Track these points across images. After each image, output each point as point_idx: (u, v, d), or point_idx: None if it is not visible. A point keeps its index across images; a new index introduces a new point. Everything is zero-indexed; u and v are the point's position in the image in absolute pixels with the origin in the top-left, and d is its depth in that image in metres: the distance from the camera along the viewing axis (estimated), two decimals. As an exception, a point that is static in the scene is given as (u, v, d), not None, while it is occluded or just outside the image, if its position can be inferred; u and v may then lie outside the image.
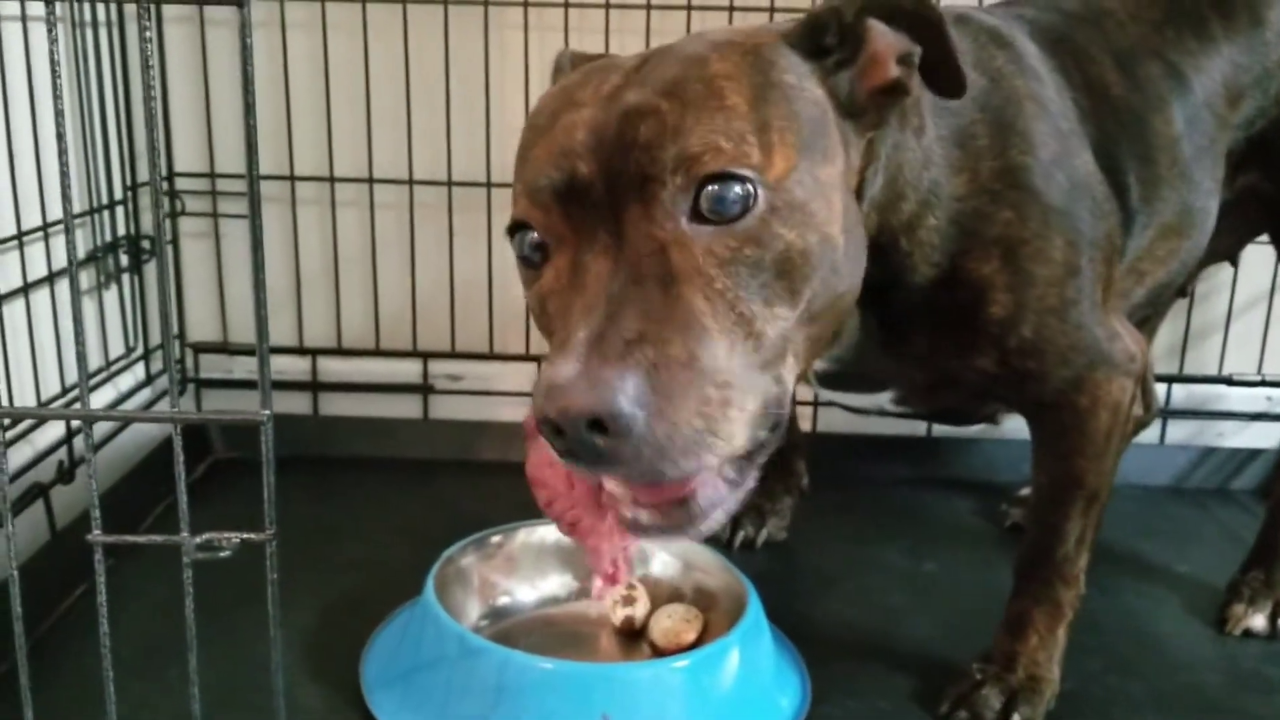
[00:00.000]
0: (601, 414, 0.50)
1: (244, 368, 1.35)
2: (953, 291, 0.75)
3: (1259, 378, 1.31)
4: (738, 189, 0.55)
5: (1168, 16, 0.87)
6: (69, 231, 0.52)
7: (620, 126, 0.56)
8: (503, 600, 0.93)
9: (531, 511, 0.70)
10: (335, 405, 1.35)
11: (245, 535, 0.54)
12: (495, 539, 0.93)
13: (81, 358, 0.56)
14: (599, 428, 0.51)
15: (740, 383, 0.55)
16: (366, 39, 1.24)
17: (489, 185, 1.28)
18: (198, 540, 0.53)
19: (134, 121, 1.21)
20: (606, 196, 0.56)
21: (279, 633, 0.56)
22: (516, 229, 0.61)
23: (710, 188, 0.55)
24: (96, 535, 0.55)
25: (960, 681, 0.85)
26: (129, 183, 1.20)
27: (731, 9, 1.21)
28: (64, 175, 0.52)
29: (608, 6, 1.21)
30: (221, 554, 0.53)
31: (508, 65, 1.25)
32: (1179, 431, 1.34)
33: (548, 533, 0.95)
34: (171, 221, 1.28)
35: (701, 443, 0.53)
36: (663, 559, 0.95)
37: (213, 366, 1.35)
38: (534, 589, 0.94)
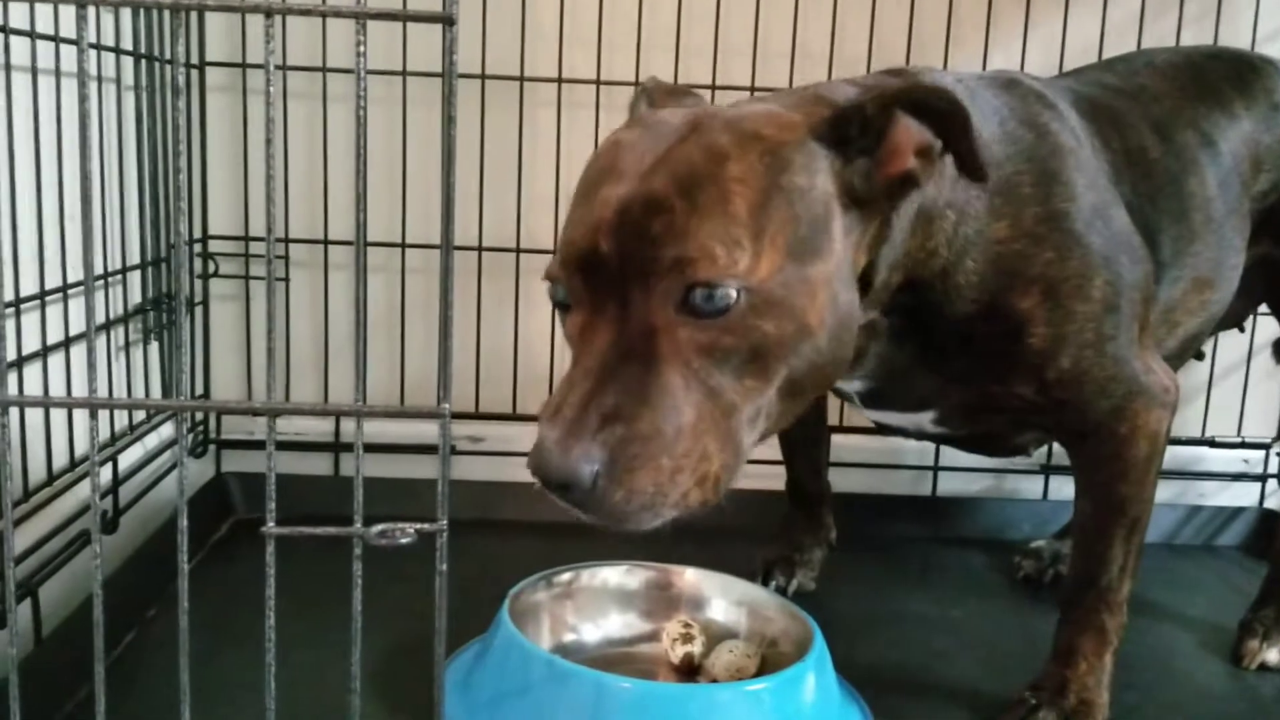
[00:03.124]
0: (568, 482, 0.62)
1: (265, 429, 1.35)
2: (992, 323, 0.80)
3: (1239, 439, 1.40)
4: (721, 292, 0.64)
5: (1199, 94, 0.97)
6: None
7: (639, 214, 0.65)
8: (569, 638, 0.94)
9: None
10: (357, 466, 1.35)
11: (419, 525, 0.57)
12: (564, 576, 0.94)
13: (272, 352, 0.59)
14: (567, 488, 0.63)
15: (700, 451, 0.64)
16: (405, 110, 1.29)
17: (518, 251, 1.32)
18: (376, 530, 0.56)
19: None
20: (619, 274, 0.65)
21: (445, 622, 0.58)
22: (551, 279, 0.71)
23: (698, 290, 0.64)
24: (270, 528, 0.57)
25: (1015, 708, 0.88)
26: (171, 240, 1.21)
27: (753, 89, 1.29)
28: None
29: (638, 84, 1.28)
30: (403, 540, 0.56)
31: (540, 138, 1.32)
32: (1166, 492, 1.41)
33: (610, 574, 0.98)
34: (203, 283, 1.30)
35: (655, 504, 0.64)
36: (722, 605, 0.97)
37: (234, 428, 1.35)
38: (597, 628, 0.96)
